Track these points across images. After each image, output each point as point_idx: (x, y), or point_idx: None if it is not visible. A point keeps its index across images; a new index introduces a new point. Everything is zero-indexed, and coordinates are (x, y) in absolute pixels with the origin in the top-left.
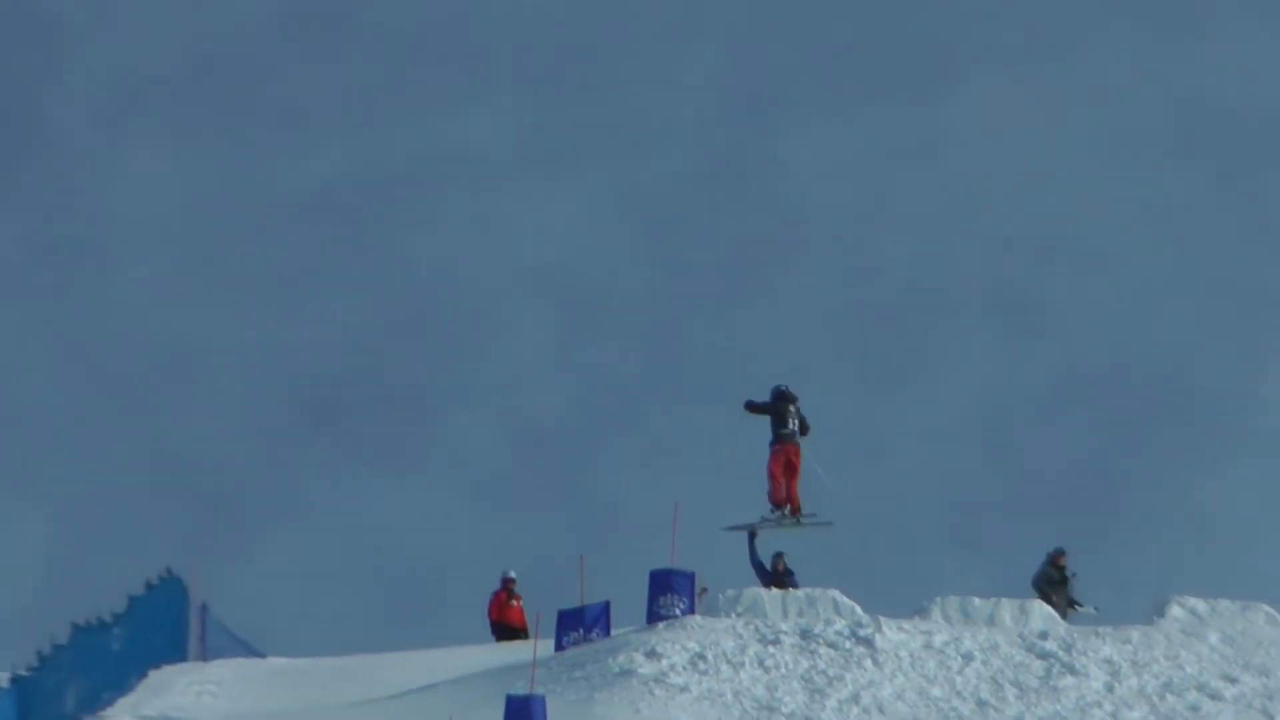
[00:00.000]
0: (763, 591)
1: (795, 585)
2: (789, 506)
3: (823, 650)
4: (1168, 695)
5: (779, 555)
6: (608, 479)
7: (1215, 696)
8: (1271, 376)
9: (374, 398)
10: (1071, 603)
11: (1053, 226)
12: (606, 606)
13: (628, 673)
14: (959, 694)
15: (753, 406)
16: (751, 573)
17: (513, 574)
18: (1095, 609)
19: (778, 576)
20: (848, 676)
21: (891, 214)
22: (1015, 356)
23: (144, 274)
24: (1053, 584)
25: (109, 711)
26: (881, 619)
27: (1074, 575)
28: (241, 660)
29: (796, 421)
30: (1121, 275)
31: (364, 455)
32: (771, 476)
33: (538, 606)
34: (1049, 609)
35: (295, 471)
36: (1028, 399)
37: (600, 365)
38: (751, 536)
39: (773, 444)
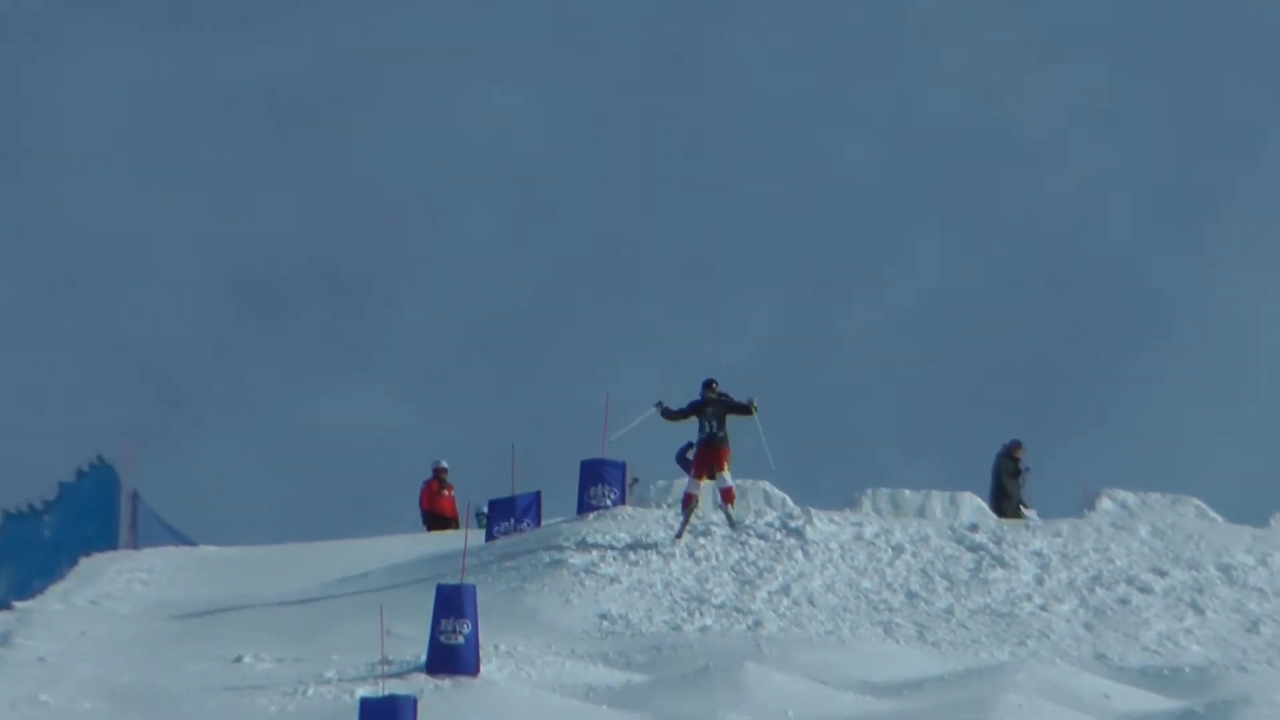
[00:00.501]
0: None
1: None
2: (723, 497)
3: (753, 542)
4: (1097, 588)
5: (710, 382)
6: (555, 372)
7: (1145, 589)
8: (1218, 275)
9: (320, 290)
10: (1020, 503)
11: (1002, 125)
12: (537, 497)
13: (558, 563)
14: (889, 586)
15: (669, 415)
16: (679, 469)
17: (444, 464)
18: (1036, 515)
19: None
20: (778, 568)
21: (842, 111)
22: (963, 254)
23: (89, 167)
24: (1010, 475)
25: (39, 598)
26: (812, 511)
27: (1027, 470)
28: (172, 548)
29: (715, 422)
30: (1070, 173)
31: (309, 348)
32: (694, 470)
33: (469, 497)
34: (979, 501)
35: (238, 363)
36: (975, 297)
37: (549, 258)
38: (686, 449)
39: (697, 444)
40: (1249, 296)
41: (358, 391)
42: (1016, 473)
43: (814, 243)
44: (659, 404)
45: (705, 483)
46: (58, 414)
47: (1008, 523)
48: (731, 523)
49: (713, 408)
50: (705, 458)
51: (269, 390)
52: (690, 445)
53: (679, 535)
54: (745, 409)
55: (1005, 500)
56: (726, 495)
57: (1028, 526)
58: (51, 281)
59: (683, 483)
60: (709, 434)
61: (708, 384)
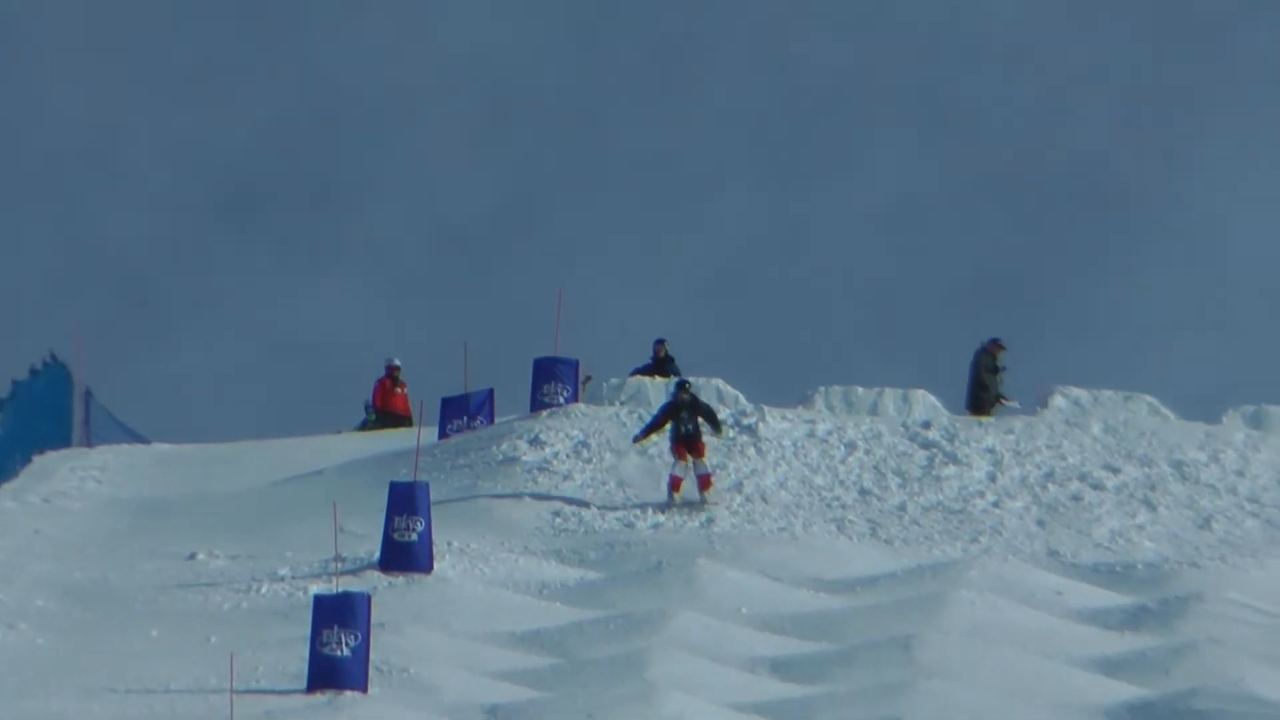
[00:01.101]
0: (646, 380)
1: (677, 373)
2: (700, 485)
3: (706, 439)
4: (1050, 485)
5: (660, 342)
6: (523, 273)
7: (1097, 486)
8: (1184, 176)
9: (290, 192)
10: (999, 397)
11: (972, 23)
12: (490, 394)
13: (511, 460)
14: (842, 483)
15: (649, 431)
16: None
17: (397, 361)
18: (1018, 405)
19: (659, 364)
20: (731, 465)
21: (812, 10)
22: (932, 153)
23: (59, 67)
24: (989, 371)
25: None
26: (765, 408)
27: (1004, 369)
28: (126, 446)
29: (690, 425)
30: (1041, 74)
31: (277, 249)
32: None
33: (424, 395)
34: (932, 399)
35: (206, 264)
36: (943, 197)
37: (518, 159)
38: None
39: (673, 439)
40: (1212, 197)
41: (324, 293)
42: (995, 369)
43: (782, 143)
44: (635, 438)
45: (685, 463)
46: (21, 314)
47: (960, 420)
48: (703, 501)
49: (687, 411)
50: (683, 448)
51: (235, 291)
52: (660, 420)
53: (667, 508)
54: (717, 426)
55: (984, 395)
56: (704, 482)
57: (980, 423)
58: (18, 182)
59: (637, 380)
60: (686, 433)
61: (681, 384)
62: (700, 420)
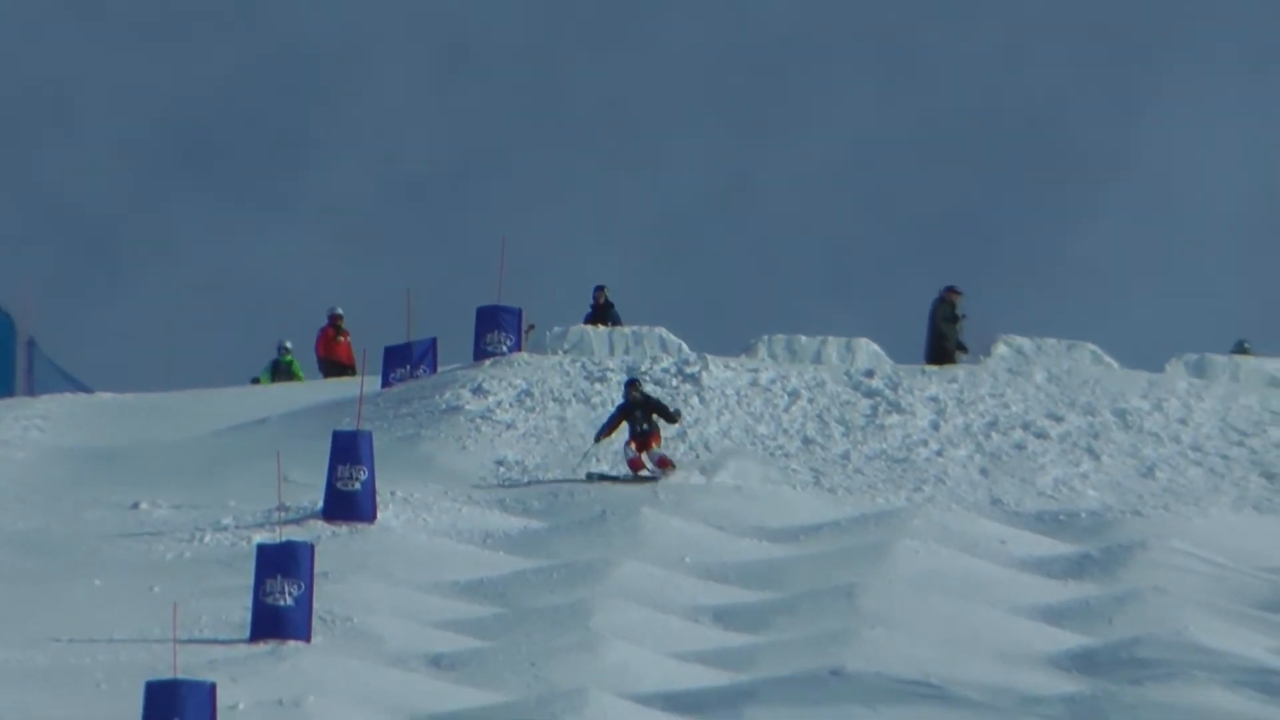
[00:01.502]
0: (589, 329)
1: (618, 320)
2: (657, 462)
3: (649, 387)
4: (993, 433)
5: (600, 288)
6: (476, 222)
7: (1041, 435)
8: (1139, 125)
9: (244, 141)
10: (960, 345)
11: None
12: (433, 343)
13: (454, 409)
14: (785, 431)
15: (604, 432)
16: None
17: (339, 310)
18: (982, 358)
19: (599, 311)
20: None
21: None
22: (885, 104)
23: (14, 14)
24: (947, 320)
25: None
26: (708, 356)
27: (964, 317)
28: (69, 395)
29: (645, 423)
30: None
31: (231, 198)
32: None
33: (367, 344)
34: (875, 347)
35: (159, 212)
36: (897, 147)
37: (471, 109)
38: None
39: (630, 437)
40: (1160, 147)
41: (275, 242)
42: (954, 318)
43: (736, 91)
44: (595, 441)
45: (643, 455)
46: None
47: (904, 368)
48: (663, 475)
49: (640, 410)
50: (638, 445)
51: (188, 239)
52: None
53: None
54: (671, 418)
55: (943, 344)
56: (663, 462)
57: (923, 372)
58: None
59: (579, 329)
60: (641, 432)
61: (631, 383)
62: (654, 416)
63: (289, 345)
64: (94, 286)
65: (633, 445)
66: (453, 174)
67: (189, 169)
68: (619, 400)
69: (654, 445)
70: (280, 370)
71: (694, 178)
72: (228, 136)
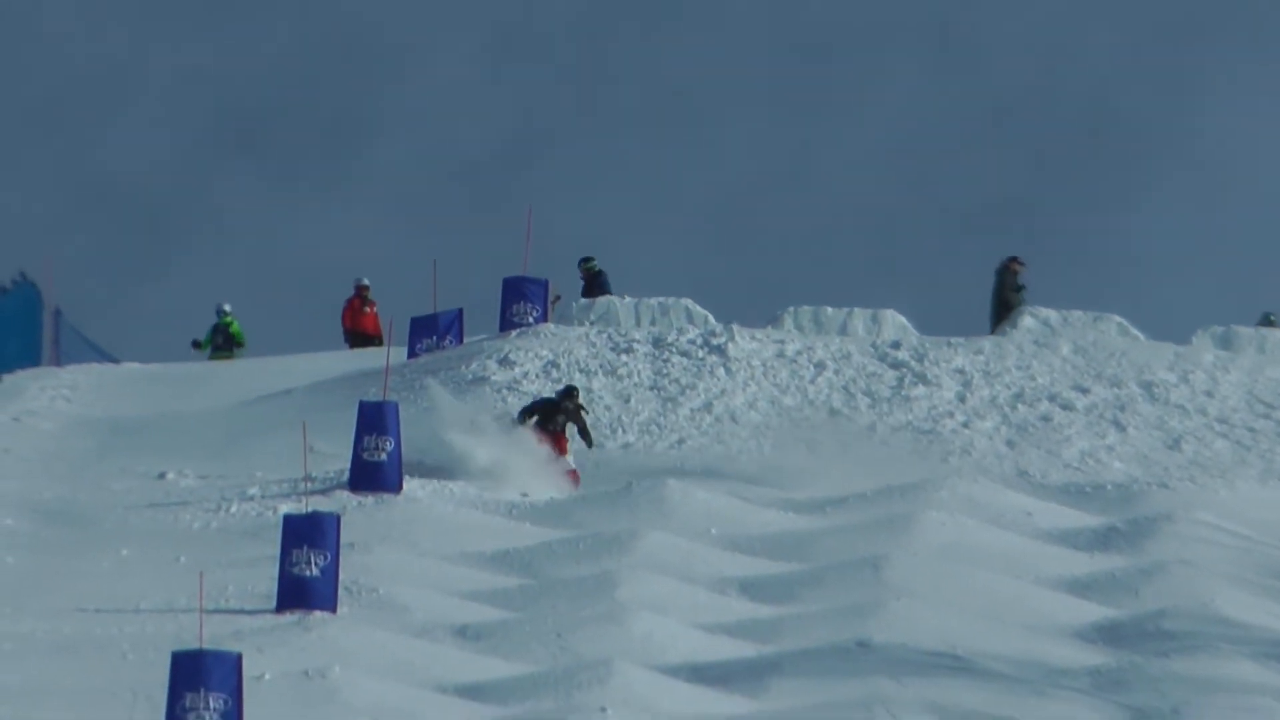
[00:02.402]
0: (616, 300)
1: (608, 289)
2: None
3: (675, 359)
4: (1019, 405)
5: (584, 261)
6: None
7: (1067, 407)
8: (1198, 106)
9: (299, 120)
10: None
11: None
12: (459, 314)
13: (480, 380)
14: (811, 403)
15: (524, 415)
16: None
17: (366, 280)
18: (1008, 329)
19: (589, 284)
20: (700, 385)
21: None
22: (940, 86)
23: None
24: (1012, 290)
25: None
26: (734, 328)
27: (1025, 286)
28: (95, 365)
29: (560, 429)
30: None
31: (282, 177)
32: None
33: (395, 314)
34: (901, 319)
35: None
36: (950, 128)
37: (528, 90)
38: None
39: (537, 428)
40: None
41: (323, 221)
42: (1018, 287)
43: (787, 72)
44: (519, 420)
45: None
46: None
47: (930, 340)
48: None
49: (563, 416)
50: (546, 439)
51: (238, 218)
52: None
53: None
54: (588, 441)
55: (1007, 314)
56: (573, 477)
57: (949, 343)
58: (35, 109)
59: (607, 300)
60: (551, 431)
61: (570, 391)
62: (571, 427)
63: (228, 308)
64: (145, 264)
65: (539, 440)
66: (504, 154)
67: (241, 148)
68: (550, 395)
69: (561, 452)
70: (219, 331)
71: (745, 158)
72: (280, 116)
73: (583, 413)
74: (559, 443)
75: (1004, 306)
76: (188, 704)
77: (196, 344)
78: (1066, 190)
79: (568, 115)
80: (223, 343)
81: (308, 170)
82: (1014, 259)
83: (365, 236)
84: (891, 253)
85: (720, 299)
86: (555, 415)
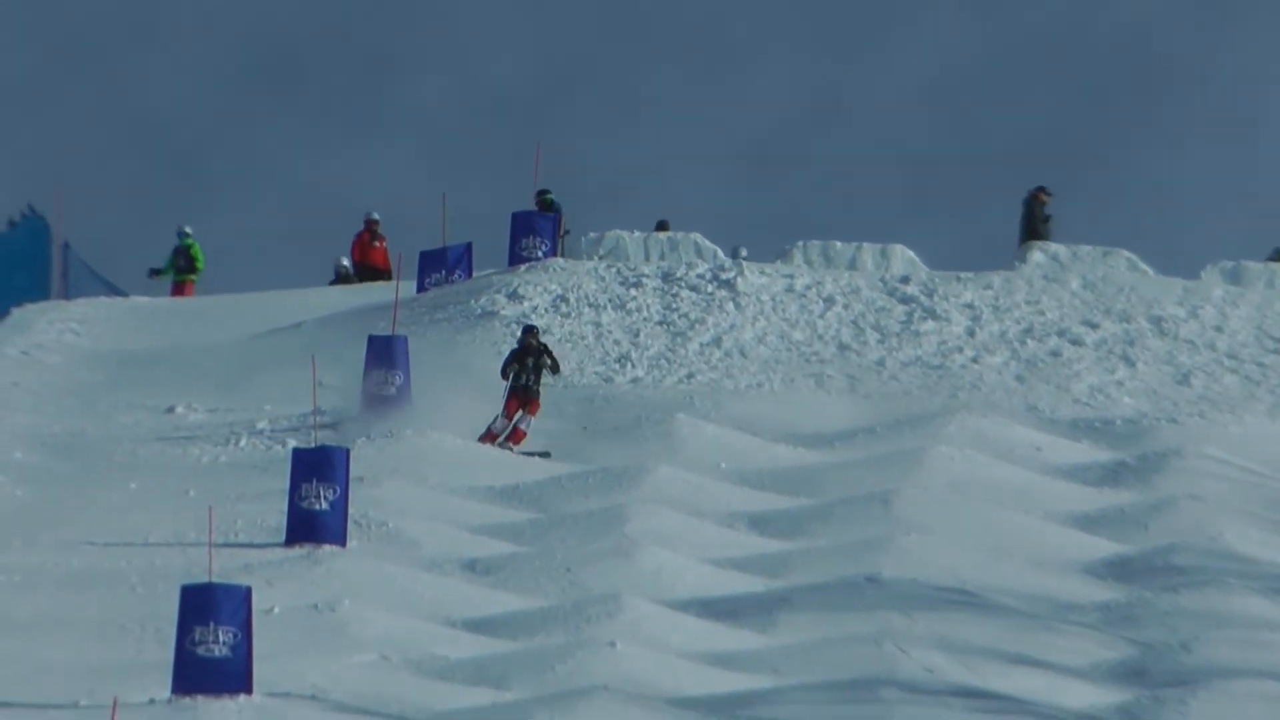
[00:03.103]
0: (625, 234)
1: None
2: (508, 434)
3: (684, 294)
4: (1029, 340)
5: (540, 193)
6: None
7: (1076, 341)
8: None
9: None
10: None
11: None
12: (468, 248)
13: (490, 314)
14: (820, 338)
15: (504, 372)
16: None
17: (375, 215)
18: (1016, 264)
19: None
20: (709, 320)
21: None
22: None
23: None
24: (1041, 221)
25: None
26: (743, 262)
27: (1050, 217)
28: (104, 299)
29: (532, 375)
30: None
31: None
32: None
33: (404, 248)
34: (910, 253)
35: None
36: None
37: (563, 29)
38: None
39: (511, 388)
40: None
41: (357, 161)
42: (1045, 218)
43: (821, 8)
44: (504, 371)
45: (510, 420)
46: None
47: (939, 275)
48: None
49: (533, 359)
50: (516, 403)
51: (271, 157)
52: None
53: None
54: (556, 368)
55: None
56: (516, 435)
57: (959, 278)
58: (68, 46)
59: (616, 234)
60: (524, 384)
61: (529, 330)
62: (543, 369)
63: (189, 230)
64: (179, 203)
65: (507, 409)
66: (537, 92)
67: (272, 84)
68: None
69: (530, 412)
70: (180, 254)
71: (777, 97)
72: (312, 51)
73: (546, 351)
74: (529, 405)
75: (1032, 237)
76: (197, 637)
77: (155, 272)
78: (1094, 125)
79: (599, 51)
80: (184, 265)
81: (339, 106)
82: (1041, 189)
83: (394, 173)
84: (921, 190)
85: (747, 237)
86: (526, 359)
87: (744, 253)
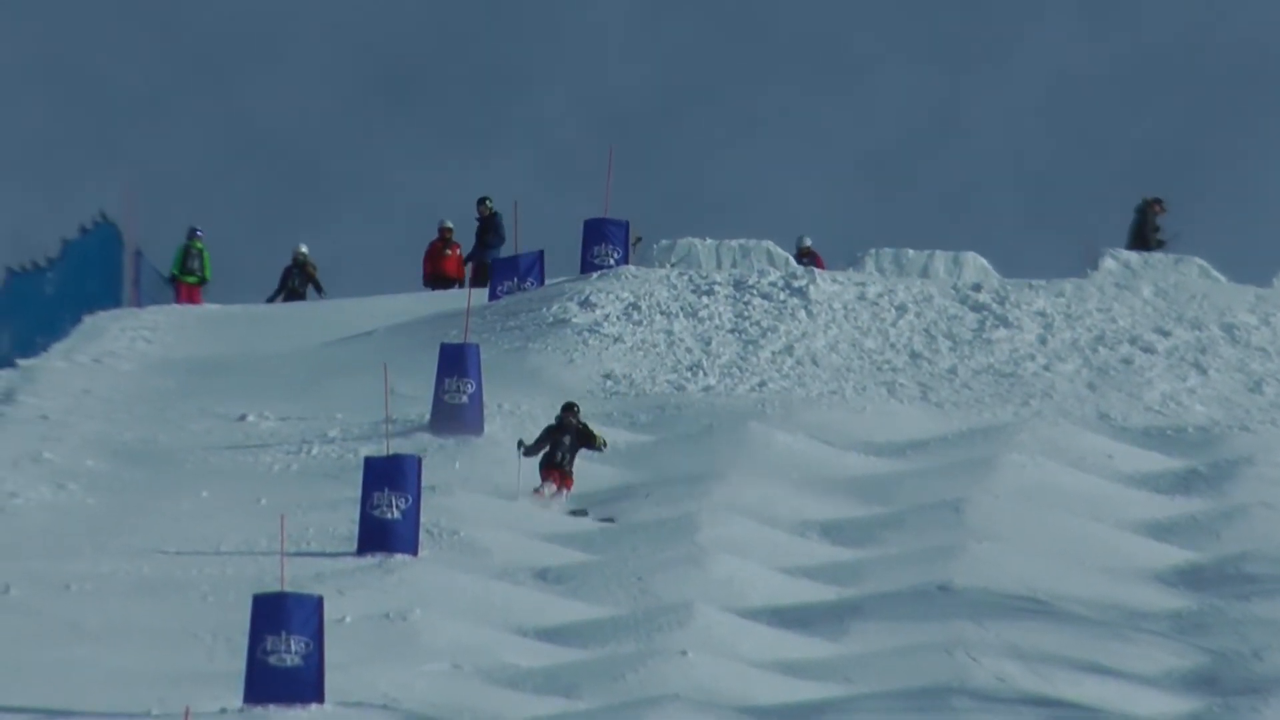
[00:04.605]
0: (697, 241)
1: (500, 230)
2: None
3: (756, 301)
4: (1100, 348)
5: (480, 201)
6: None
7: (1148, 349)
8: None
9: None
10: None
11: None
12: (540, 255)
13: (561, 322)
14: (892, 346)
15: (531, 450)
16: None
17: (449, 223)
18: (1088, 271)
19: (484, 224)
20: (781, 328)
21: None
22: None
23: None
24: (1152, 230)
25: (42, 356)
26: (815, 270)
27: (1161, 228)
28: (176, 306)
29: (568, 454)
30: None
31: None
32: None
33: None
34: (982, 261)
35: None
36: (1098, 78)
37: (679, 43)
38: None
39: (545, 464)
40: None
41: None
42: (1155, 228)
43: (940, 22)
44: (520, 443)
45: (551, 489)
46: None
47: (1011, 283)
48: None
49: (570, 436)
50: (554, 474)
51: (389, 170)
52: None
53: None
54: (598, 446)
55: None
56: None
57: (1030, 286)
58: (189, 63)
59: (688, 241)
60: (558, 463)
61: (569, 407)
62: (580, 447)
63: (200, 232)
64: (298, 217)
65: (546, 476)
66: (662, 108)
67: (395, 100)
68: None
69: (566, 488)
70: (191, 254)
71: (896, 111)
72: (433, 68)
73: (587, 430)
74: (565, 481)
75: (1141, 246)
76: (269, 646)
77: (174, 279)
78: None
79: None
80: (198, 267)
81: (458, 120)
82: (1156, 200)
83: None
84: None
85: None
86: (562, 437)
87: (808, 241)
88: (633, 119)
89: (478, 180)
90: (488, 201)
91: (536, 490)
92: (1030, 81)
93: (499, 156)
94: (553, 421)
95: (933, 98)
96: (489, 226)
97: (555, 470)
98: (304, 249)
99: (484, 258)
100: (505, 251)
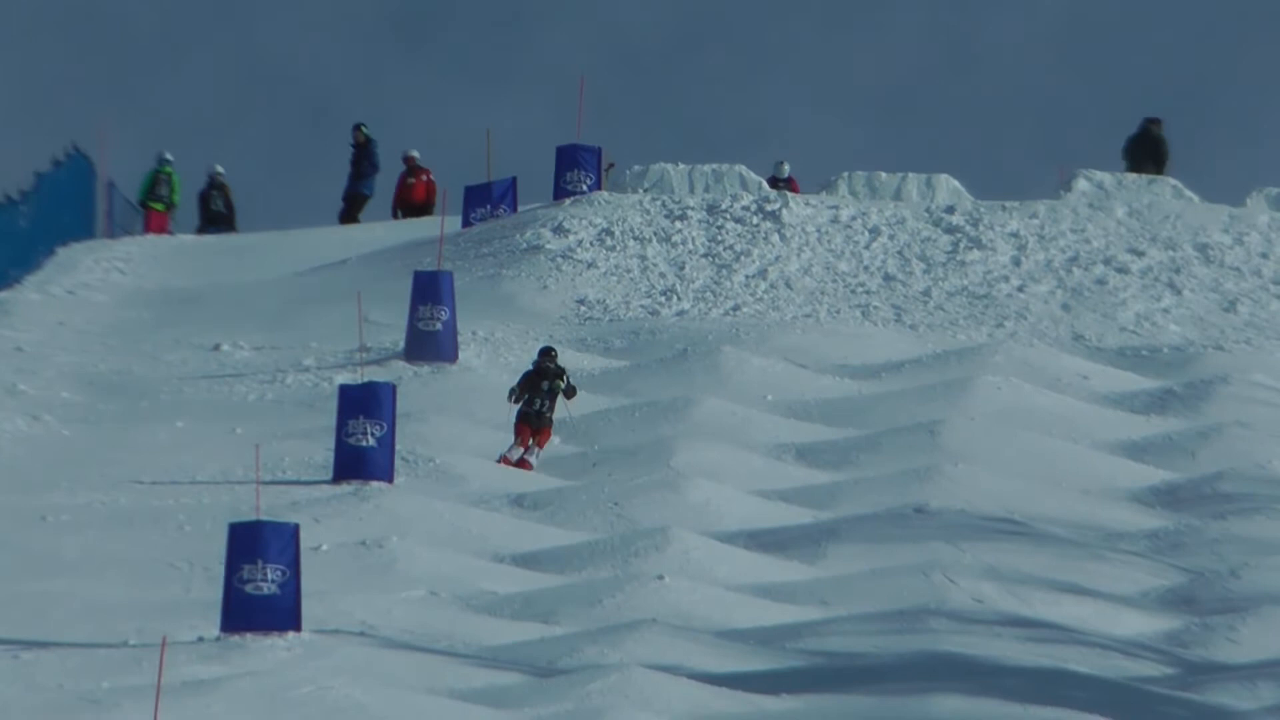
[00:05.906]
0: (670, 167)
1: (374, 157)
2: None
3: (729, 225)
4: (1074, 269)
5: (357, 126)
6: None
7: (1122, 270)
8: None
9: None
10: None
11: None
12: (513, 182)
13: (535, 248)
14: (866, 268)
15: (514, 394)
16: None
17: (414, 152)
18: (1061, 193)
19: (358, 151)
20: (754, 251)
21: None
22: None
23: None
24: (1147, 152)
25: (16, 288)
26: (788, 194)
27: (1165, 140)
28: (149, 237)
29: (546, 402)
30: None
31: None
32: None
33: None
34: (955, 183)
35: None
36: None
37: None
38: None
39: (519, 414)
40: None
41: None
42: (1156, 150)
43: None
44: (510, 393)
45: (521, 448)
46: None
47: (984, 204)
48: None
49: (548, 381)
50: (526, 431)
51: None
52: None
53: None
54: (571, 392)
55: (1138, 169)
56: (523, 464)
57: (1004, 207)
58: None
59: (660, 167)
60: (535, 410)
61: (546, 351)
62: (558, 395)
63: (169, 156)
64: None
65: (519, 433)
66: (679, 43)
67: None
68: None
69: (540, 443)
70: (160, 180)
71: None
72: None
73: (563, 374)
74: (539, 434)
75: (1153, 163)
76: (245, 575)
77: (144, 204)
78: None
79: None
80: (166, 193)
81: (470, 57)
82: (1154, 120)
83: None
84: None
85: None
86: (540, 382)
87: (787, 169)
88: (645, 56)
89: (489, 118)
90: (363, 128)
91: (503, 457)
92: (1040, 17)
93: (512, 93)
94: (529, 368)
95: (945, 29)
96: (363, 155)
97: (528, 424)
98: (220, 169)
99: (358, 188)
100: (478, 179)
